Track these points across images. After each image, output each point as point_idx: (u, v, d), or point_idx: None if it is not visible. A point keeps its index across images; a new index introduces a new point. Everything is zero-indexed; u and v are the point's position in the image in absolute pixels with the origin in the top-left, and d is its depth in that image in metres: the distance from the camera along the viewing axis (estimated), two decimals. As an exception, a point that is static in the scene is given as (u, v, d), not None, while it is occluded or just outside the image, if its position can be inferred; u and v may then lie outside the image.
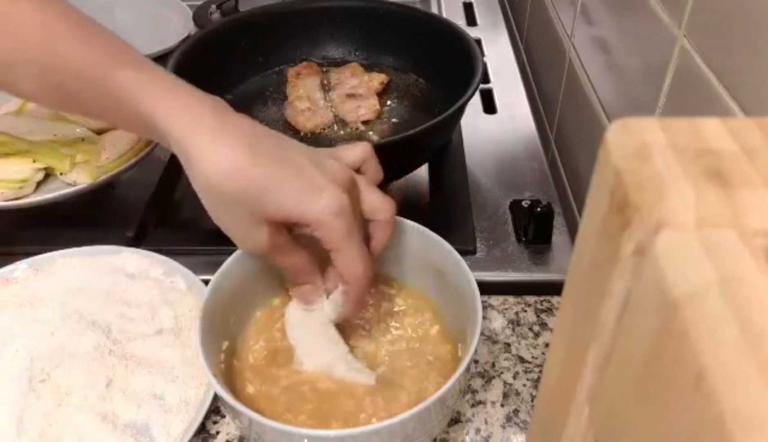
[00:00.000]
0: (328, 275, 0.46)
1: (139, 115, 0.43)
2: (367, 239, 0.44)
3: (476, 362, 0.52)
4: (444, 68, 0.71)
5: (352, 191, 0.42)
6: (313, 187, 0.40)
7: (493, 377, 0.51)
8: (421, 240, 0.48)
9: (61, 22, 0.45)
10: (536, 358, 0.52)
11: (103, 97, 0.44)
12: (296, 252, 0.44)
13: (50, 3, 0.46)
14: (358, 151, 0.45)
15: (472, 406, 0.49)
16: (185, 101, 0.42)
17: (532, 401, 0.49)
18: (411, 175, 0.68)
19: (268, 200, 0.40)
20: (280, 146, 0.42)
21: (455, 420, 0.47)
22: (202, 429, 0.47)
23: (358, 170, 0.45)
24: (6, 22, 0.45)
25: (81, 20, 0.46)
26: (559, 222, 0.62)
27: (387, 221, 0.44)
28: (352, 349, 0.46)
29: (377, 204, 0.44)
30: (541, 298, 0.57)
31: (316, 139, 0.70)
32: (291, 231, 0.43)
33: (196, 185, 0.41)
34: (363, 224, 0.44)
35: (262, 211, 0.40)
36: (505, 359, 0.52)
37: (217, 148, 0.40)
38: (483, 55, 0.77)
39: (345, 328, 0.48)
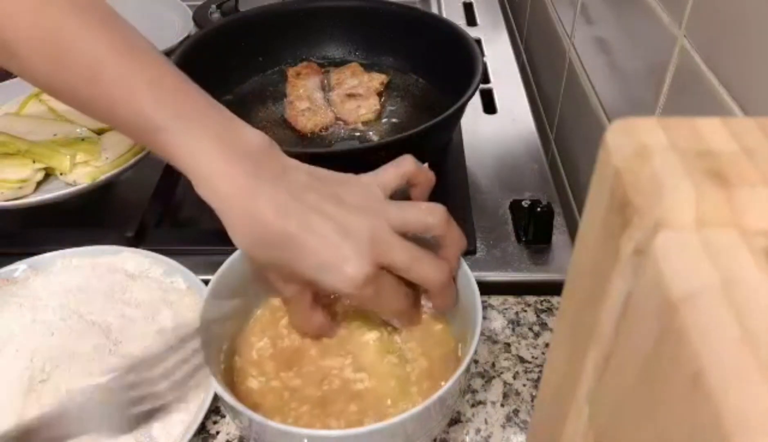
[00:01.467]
0: None
1: (170, 161, 0.43)
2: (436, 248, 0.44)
3: (476, 362, 0.52)
4: (444, 68, 0.71)
5: (382, 241, 0.41)
6: (336, 257, 0.40)
7: (493, 377, 0.51)
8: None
9: (104, 33, 0.44)
10: (536, 358, 0.52)
11: (137, 136, 0.45)
12: (310, 313, 0.45)
13: (94, 10, 0.45)
14: (399, 172, 0.45)
15: (472, 406, 0.49)
16: (220, 169, 0.41)
17: (532, 401, 0.49)
18: (411, 175, 0.68)
19: (294, 268, 0.41)
20: (307, 210, 0.41)
21: (455, 420, 0.47)
22: (202, 429, 0.47)
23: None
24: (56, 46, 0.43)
25: (124, 30, 0.46)
26: (559, 222, 0.62)
27: (443, 231, 0.43)
28: (351, 346, 0.46)
29: (424, 221, 0.43)
30: (541, 298, 0.57)
31: (316, 140, 0.70)
32: None
33: (236, 245, 0.43)
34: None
35: (289, 275, 0.42)
36: (505, 359, 0.52)
37: (245, 221, 0.41)
38: (483, 55, 0.77)
39: (345, 327, 0.48)
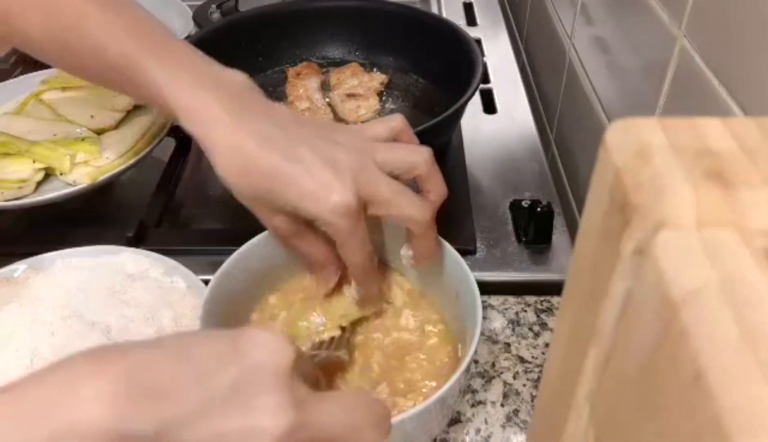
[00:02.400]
0: None
1: (158, 103, 0.45)
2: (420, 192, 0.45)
3: (476, 362, 0.52)
4: (444, 68, 0.71)
5: (365, 172, 0.42)
6: (320, 188, 0.40)
7: (493, 377, 0.51)
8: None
9: (94, 4, 0.47)
10: (536, 358, 0.52)
11: (125, 81, 0.47)
12: (313, 239, 0.45)
13: None
14: (388, 126, 0.46)
15: (472, 406, 0.49)
16: (205, 100, 0.43)
17: (532, 401, 0.49)
18: (411, 175, 0.68)
19: (278, 199, 0.41)
20: (292, 141, 0.42)
21: (455, 420, 0.47)
22: (202, 429, 0.47)
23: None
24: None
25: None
26: (559, 222, 0.62)
27: (428, 172, 0.44)
28: (352, 349, 0.46)
29: (408, 159, 0.43)
30: (541, 298, 0.57)
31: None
32: None
33: (219, 178, 0.43)
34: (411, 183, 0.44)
35: (275, 206, 0.42)
36: (505, 359, 0.52)
37: (229, 152, 0.42)
38: (483, 55, 0.77)
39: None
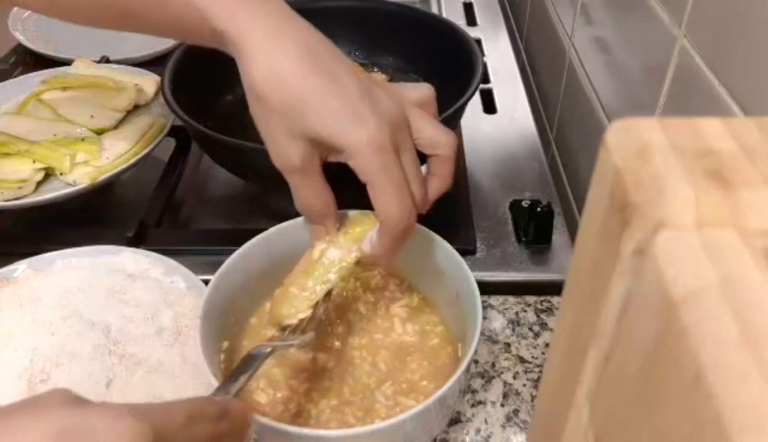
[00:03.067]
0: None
1: (191, 15, 0.42)
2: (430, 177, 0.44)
3: (476, 362, 0.52)
4: (444, 68, 0.71)
5: (401, 132, 0.40)
6: (356, 115, 0.39)
7: (493, 377, 0.51)
8: (422, 240, 0.48)
9: None
10: (536, 358, 0.52)
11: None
12: (321, 185, 0.42)
13: None
14: (418, 93, 0.45)
15: (472, 406, 0.49)
16: (247, 3, 0.41)
17: (532, 401, 0.49)
18: (411, 175, 0.68)
19: (309, 117, 0.39)
20: (335, 64, 0.41)
21: (455, 420, 0.47)
22: (202, 429, 0.47)
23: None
24: None
25: None
26: (559, 222, 0.62)
27: (447, 157, 0.43)
28: (353, 349, 0.46)
29: (437, 137, 0.43)
30: (541, 298, 0.57)
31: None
32: (326, 162, 0.42)
33: (246, 86, 0.41)
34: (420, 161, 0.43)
35: (301, 127, 0.39)
36: (505, 359, 0.52)
37: (268, 57, 0.39)
38: (483, 55, 0.77)
39: (346, 327, 0.48)
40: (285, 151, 0.41)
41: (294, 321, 0.42)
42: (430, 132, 0.43)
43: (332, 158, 0.42)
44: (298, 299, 0.42)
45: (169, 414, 0.28)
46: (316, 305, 0.42)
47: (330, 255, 0.43)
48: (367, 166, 0.39)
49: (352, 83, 0.40)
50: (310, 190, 0.42)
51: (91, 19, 0.48)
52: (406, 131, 0.41)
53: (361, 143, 0.38)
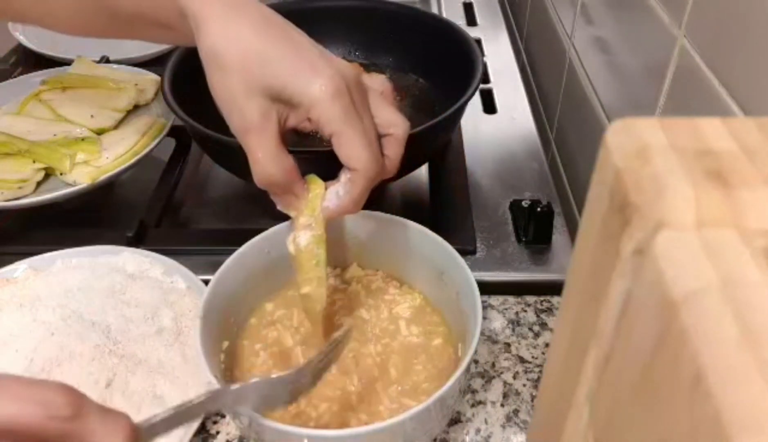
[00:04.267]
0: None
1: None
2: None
3: (476, 362, 0.52)
4: (444, 68, 0.71)
5: (356, 88, 0.41)
6: (313, 67, 0.40)
7: (493, 377, 0.51)
8: (422, 240, 0.48)
9: None
10: (536, 358, 0.52)
11: None
12: (279, 148, 0.41)
13: None
14: (378, 80, 0.45)
15: (472, 406, 0.49)
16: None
17: (532, 401, 0.49)
18: (411, 175, 0.68)
19: (266, 69, 0.40)
20: (291, 29, 0.42)
21: (455, 420, 0.47)
22: (202, 429, 0.47)
23: None
24: None
25: None
26: (559, 222, 0.62)
27: (400, 139, 0.43)
28: (351, 348, 0.46)
29: (392, 117, 0.43)
30: (541, 298, 0.57)
31: (316, 139, 0.70)
32: (284, 131, 0.42)
33: (202, 54, 0.42)
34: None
35: (259, 80, 0.40)
36: (505, 359, 0.52)
37: (226, 21, 0.41)
38: (483, 55, 0.77)
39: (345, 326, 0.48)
40: (242, 109, 0.40)
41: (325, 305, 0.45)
42: (387, 111, 0.43)
43: (291, 121, 0.41)
44: (311, 295, 0.44)
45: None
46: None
47: (302, 240, 0.43)
48: (329, 113, 0.39)
49: (308, 42, 0.42)
50: (268, 154, 0.40)
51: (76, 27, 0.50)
52: (364, 94, 0.42)
53: (320, 91, 0.39)
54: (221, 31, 0.40)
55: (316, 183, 0.44)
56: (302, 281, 0.44)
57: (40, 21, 0.51)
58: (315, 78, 0.39)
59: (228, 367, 0.45)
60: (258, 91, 0.40)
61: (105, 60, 0.84)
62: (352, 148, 0.40)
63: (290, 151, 0.43)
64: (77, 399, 0.27)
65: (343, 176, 0.42)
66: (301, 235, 0.43)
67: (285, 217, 0.48)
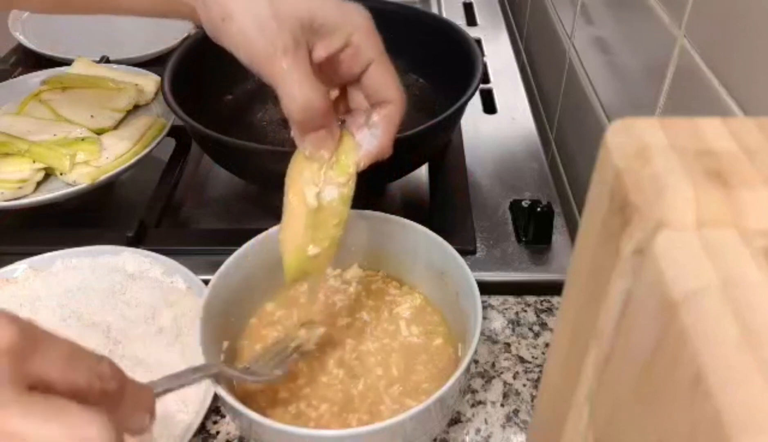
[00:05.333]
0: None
1: None
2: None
3: (476, 362, 0.52)
4: (444, 68, 0.71)
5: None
6: (341, 2, 0.39)
7: (493, 377, 0.51)
8: (422, 240, 0.48)
9: None
10: (536, 358, 0.52)
11: None
12: (314, 76, 0.38)
13: None
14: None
15: (472, 406, 0.49)
16: None
17: (532, 401, 0.49)
18: (411, 175, 0.68)
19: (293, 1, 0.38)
20: None
21: (455, 420, 0.47)
22: (202, 429, 0.47)
23: None
24: None
25: None
26: (559, 222, 0.62)
27: (399, 105, 0.41)
28: (352, 349, 0.46)
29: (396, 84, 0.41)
30: (541, 298, 0.57)
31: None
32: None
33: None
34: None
35: (287, 8, 0.38)
36: (505, 359, 0.52)
37: None
38: (483, 55, 0.77)
39: (346, 327, 0.48)
40: (272, 34, 0.37)
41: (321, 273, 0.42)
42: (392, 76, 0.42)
43: (320, 50, 0.39)
44: (319, 257, 0.41)
45: (47, 336, 0.28)
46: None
47: (328, 195, 0.40)
48: (372, 40, 0.39)
49: None
50: (306, 77, 0.38)
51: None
52: None
53: (363, 17, 0.38)
54: None
55: (347, 136, 0.41)
56: (314, 239, 0.40)
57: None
58: (354, 11, 0.38)
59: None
60: (290, 17, 0.38)
61: (105, 60, 0.84)
62: (390, 78, 0.39)
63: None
64: (119, 371, 0.29)
65: (376, 116, 0.40)
66: (328, 190, 0.40)
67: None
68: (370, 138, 0.41)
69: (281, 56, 0.38)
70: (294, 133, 0.40)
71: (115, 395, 0.28)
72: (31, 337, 0.27)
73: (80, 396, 0.26)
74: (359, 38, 0.39)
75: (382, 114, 0.41)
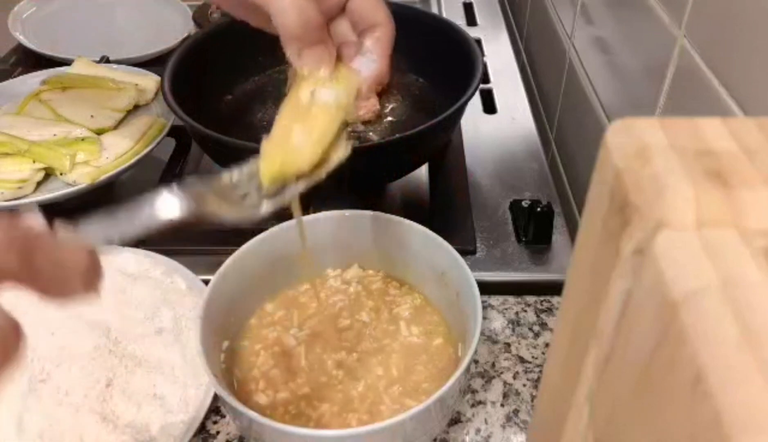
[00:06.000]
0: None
1: None
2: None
3: (476, 362, 0.52)
4: (444, 68, 0.71)
5: None
6: None
7: (493, 377, 0.51)
8: (422, 240, 0.48)
9: None
10: (536, 358, 0.52)
11: None
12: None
13: None
14: None
15: (472, 406, 0.49)
16: None
17: (532, 401, 0.49)
18: (411, 175, 0.68)
19: None
20: None
21: (455, 420, 0.47)
22: (202, 429, 0.47)
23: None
24: None
25: None
26: (559, 222, 0.62)
27: (389, 26, 0.41)
28: (352, 349, 0.46)
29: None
30: (541, 298, 0.57)
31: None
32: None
33: None
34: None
35: None
36: (505, 359, 0.52)
37: None
38: (483, 55, 0.77)
39: (346, 327, 0.48)
40: None
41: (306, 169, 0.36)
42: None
43: None
44: (303, 151, 0.37)
45: None
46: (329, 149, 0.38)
47: (324, 96, 0.38)
48: None
49: None
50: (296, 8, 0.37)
51: None
52: None
53: None
54: None
55: (342, 66, 0.40)
56: (302, 130, 0.37)
57: None
58: None
59: (228, 367, 0.45)
60: None
61: (105, 60, 0.84)
62: (376, 2, 0.39)
63: None
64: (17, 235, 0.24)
65: (368, 41, 0.40)
66: (324, 91, 0.38)
67: (284, 218, 0.48)
68: (367, 64, 0.40)
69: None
70: (290, 53, 0.39)
71: (21, 270, 0.24)
72: None
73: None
74: None
75: (374, 37, 0.40)
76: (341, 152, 0.37)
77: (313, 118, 0.37)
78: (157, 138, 0.68)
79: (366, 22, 0.40)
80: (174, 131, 0.70)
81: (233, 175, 0.36)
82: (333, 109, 0.37)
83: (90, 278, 0.25)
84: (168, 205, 0.31)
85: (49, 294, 0.24)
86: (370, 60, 0.40)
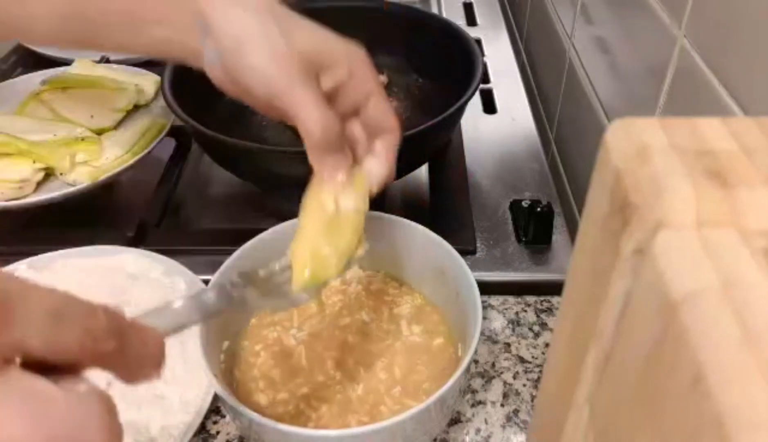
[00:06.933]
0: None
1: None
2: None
3: (476, 362, 0.52)
4: (444, 68, 0.71)
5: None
6: (336, 36, 0.41)
7: (493, 377, 0.51)
8: (422, 240, 0.48)
9: None
10: (536, 358, 0.52)
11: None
12: (326, 103, 0.40)
13: None
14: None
15: (472, 406, 0.49)
16: None
17: (532, 401, 0.49)
18: (411, 175, 0.68)
19: (294, 37, 0.40)
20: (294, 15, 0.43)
21: (455, 420, 0.47)
22: (202, 429, 0.47)
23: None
24: None
25: None
26: (559, 222, 0.62)
27: (398, 133, 0.43)
28: (352, 349, 0.46)
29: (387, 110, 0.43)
30: (541, 298, 0.57)
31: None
32: None
33: (225, 41, 0.41)
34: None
35: (289, 46, 0.39)
36: (505, 359, 0.52)
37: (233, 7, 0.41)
38: (483, 55, 0.77)
39: (346, 327, 0.48)
40: (289, 66, 0.39)
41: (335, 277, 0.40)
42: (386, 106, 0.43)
43: (327, 80, 0.41)
44: (331, 260, 0.40)
45: (24, 293, 0.23)
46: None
47: (346, 204, 0.41)
48: (369, 71, 0.41)
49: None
50: (323, 103, 0.39)
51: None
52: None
53: (359, 50, 0.40)
54: (237, 16, 0.40)
55: (355, 166, 0.43)
56: (329, 242, 0.40)
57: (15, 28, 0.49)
58: (348, 42, 0.40)
59: (228, 367, 0.45)
60: (298, 50, 0.40)
61: (105, 60, 0.84)
62: (389, 107, 0.42)
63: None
64: (118, 321, 0.27)
65: (378, 144, 0.43)
66: (344, 199, 0.41)
67: (285, 218, 0.48)
68: (377, 166, 0.43)
69: (299, 84, 0.39)
70: (312, 158, 0.41)
71: (114, 354, 0.25)
72: (2, 299, 0.22)
73: (72, 363, 0.23)
74: (358, 69, 0.41)
75: (385, 141, 0.43)
76: (360, 250, 0.41)
77: (339, 229, 0.40)
78: (157, 138, 0.68)
79: (378, 126, 0.43)
80: (174, 131, 0.70)
81: (269, 269, 0.40)
82: (353, 216, 0.40)
83: (159, 363, 0.28)
84: (216, 299, 0.35)
85: (127, 377, 0.27)
86: (380, 163, 0.43)
